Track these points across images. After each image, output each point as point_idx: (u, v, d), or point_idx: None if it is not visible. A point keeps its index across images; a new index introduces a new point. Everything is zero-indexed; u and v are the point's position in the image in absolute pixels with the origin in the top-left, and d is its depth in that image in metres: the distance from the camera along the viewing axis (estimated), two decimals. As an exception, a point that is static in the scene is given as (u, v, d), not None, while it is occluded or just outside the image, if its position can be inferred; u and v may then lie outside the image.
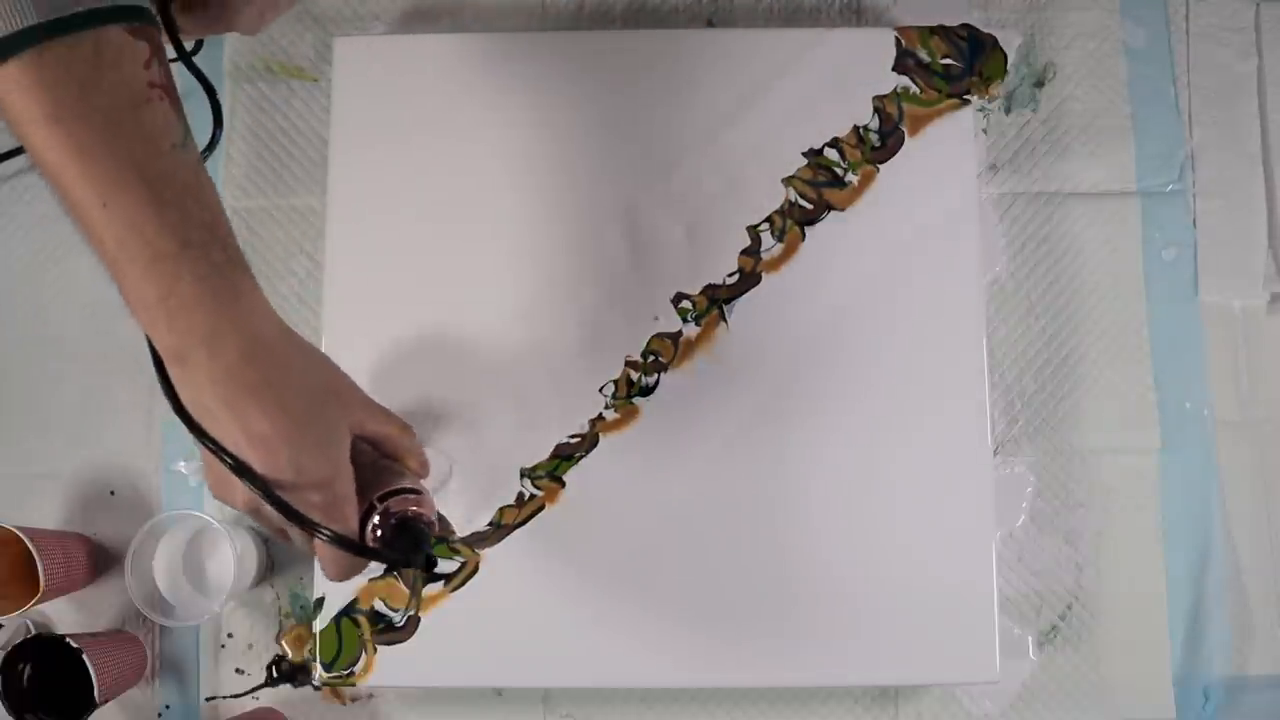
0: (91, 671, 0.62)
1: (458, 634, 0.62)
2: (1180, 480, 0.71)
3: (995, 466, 0.69)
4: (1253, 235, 0.74)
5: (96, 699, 0.62)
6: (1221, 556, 0.70)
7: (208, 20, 0.49)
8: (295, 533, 0.45)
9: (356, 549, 0.44)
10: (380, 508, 0.46)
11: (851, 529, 0.63)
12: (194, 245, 0.38)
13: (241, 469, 0.41)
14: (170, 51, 0.46)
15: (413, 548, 0.46)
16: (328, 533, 0.43)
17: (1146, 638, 0.70)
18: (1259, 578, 0.71)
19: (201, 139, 0.43)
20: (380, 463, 0.49)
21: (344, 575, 0.46)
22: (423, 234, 0.66)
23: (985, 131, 0.74)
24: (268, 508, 0.42)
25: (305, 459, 0.41)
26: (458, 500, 0.63)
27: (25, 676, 0.65)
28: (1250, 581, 0.70)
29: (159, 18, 0.46)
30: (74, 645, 0.62)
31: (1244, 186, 0.75)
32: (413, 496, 0.48)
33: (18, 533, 0.64)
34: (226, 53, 0.76)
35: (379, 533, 0.46)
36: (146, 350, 0.42)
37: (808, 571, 0.62)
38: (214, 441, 0.41)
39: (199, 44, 0.53)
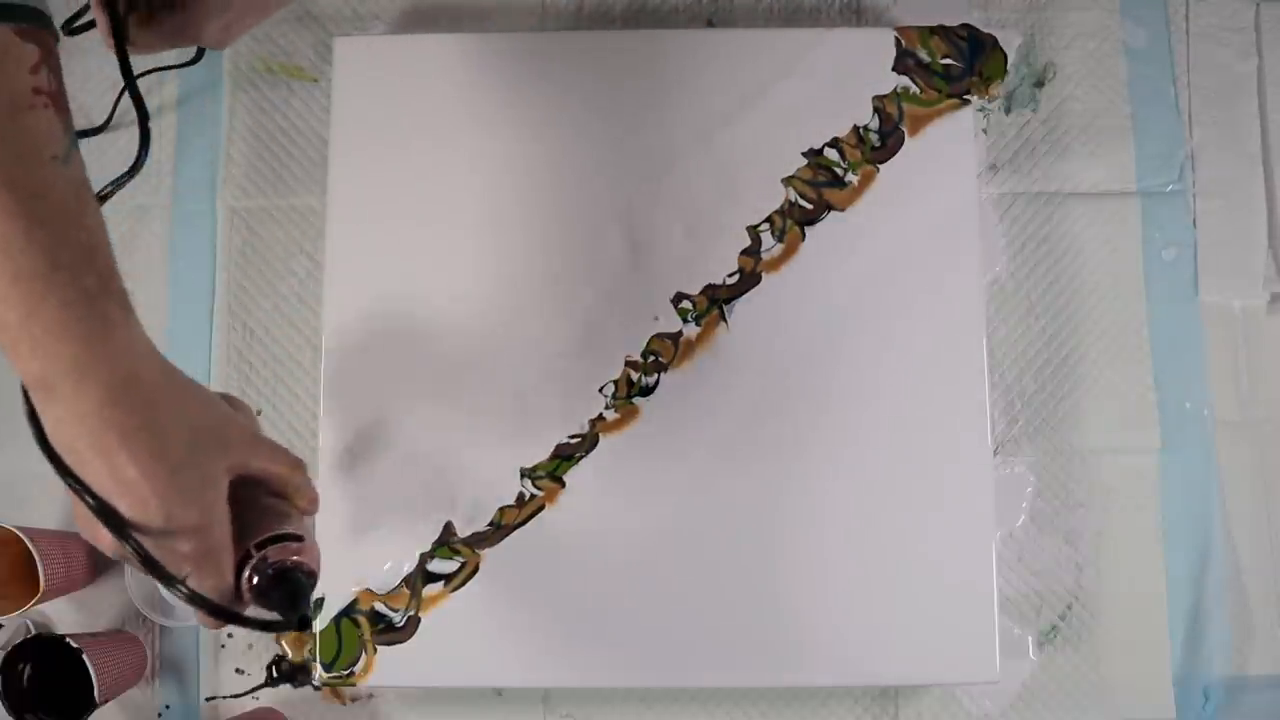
0: (91, 671, 0.62)
1: (458, 634, 0.62)
2: (1180, 480, 0.71)
3: (995, 466, 0.69)
4: (1253, 235, 0.74)
5: (96, 699, 0.62)
6: (1221, 556, 0.70)
7: (170, 33, 0.48)
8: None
9: (219, 612, 0.42)
10: (257, 556, 0.43)
11: (851, 529, 0.63)
12: (64, 268, 0.36)
13: (107, 514, 0.38)
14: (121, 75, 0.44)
15: (288, 603, 0.43)
16: (186, 591, 0.40)
17: (1146, 638, 0.70)
18: (1259, 578, 0.71)
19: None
20: (266, 502, 0.45)
21: (216, 625, 0.43)
22: (422, 234, 0.66)
23: (985, 131, 0.74)
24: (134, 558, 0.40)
25: (176, 507, 0.39)
26: (459, 500, 0.63)
27: (25, 676, 0.65)
28: (1250, 581, 0.70)
29: (115, 30, 0.46)
30: (74, 645, 0.62)
31: (1244, 186, 0.75)
32: (294, 545, 0.44)
33: (18, 533, 0.63)
34: (226, 53, 0.76)
35: (255, 581, 0.43)
36: None
37: (808, 571, 0.62)
38: (79, 482, 0.38)
39: (200, 51, 0.52)
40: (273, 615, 0.43)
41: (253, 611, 0.44)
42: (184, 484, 0.39)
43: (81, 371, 0.37)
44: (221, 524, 0.41)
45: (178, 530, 0.39)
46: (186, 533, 0.39)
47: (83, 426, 0.37)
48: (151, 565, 0.39)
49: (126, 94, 0.47)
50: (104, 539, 0.40)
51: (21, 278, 0.35)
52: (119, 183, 0.46)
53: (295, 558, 0.44)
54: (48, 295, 0.35)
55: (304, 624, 0.43)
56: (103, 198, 0.40)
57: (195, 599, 0.41)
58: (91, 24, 0.47)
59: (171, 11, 0.47)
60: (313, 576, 0.45)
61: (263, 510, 0.45)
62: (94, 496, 0.38)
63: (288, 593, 0.43)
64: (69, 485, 0.39)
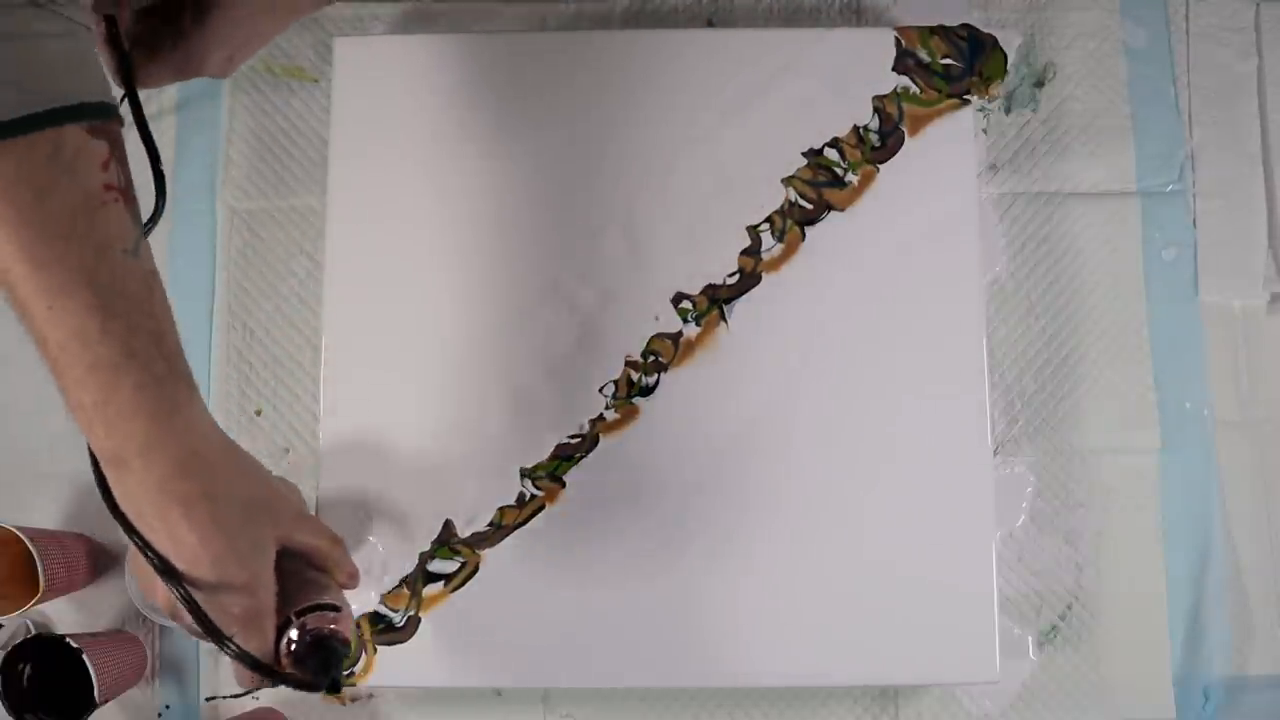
0: (91, 671, 0.62)
1: (458, 634, 0.62)
2: (1180, 480, 0.71)
3: (995, 466, 0.69)
4: (1253, 235, 0.74)
5: (96, 699, 0.62)
6: (1221, 556, 0.70)
7: (176, 67, 0.48)
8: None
9: (261, 669, 0.45)
10: (298, 623, 0.46)
11: (851, 529, 0.63)
12: (136, 355, 0.38)
13: (167, 572, 0.41)
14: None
15: (322, 668, 0.46)
16: (234, 647, 0.43)
17: (1146, 638, 0.70)
18: (1259, 578, 0.71)
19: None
20: (306, 574, 0.49)
21: (253, 685, 0.47)
22: (422, 234, 0.66)
23: (985, 131, 0.74)
24: (186, 614, 0.42)
25: (229, 570, 0.42)
26: (459, 500, 0.63)
27: (25, 676, 0.65)
28: (1250, 581, 0.70)
29: (123, 68, 0.46)
30: (74, 645, 0.62)
31: (1244, 186, 0.75)
32: (331, 614, 0.47)
33: (18, 533, 0.64)
34: (226, 53, 0.76)
35: (293, 647, 0.46)
36: None
37: (808, 571, 0.62)
38: (144, 541, 0.41)
39: None
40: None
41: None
42: (237, 550, 0.42)
43: (151, 448, 0.40)
44: (267, 589, 0.44)
45: (228, 591, 0.42)
46: (236, 594, 0.43)
47: (149, 496, 0.40)
48: (203, 621, 0.42)
49: (131, 102, 0.47)
50: (160, 595, 0.43)
51: (98, 366, 0.38)
52: (145, 231, 0.47)
53: (332, 626, 0.47)
54: (121, 381, 0.38)
55: (335, 688, 0.47)
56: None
57: (242, 655, 0.44)
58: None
59: (175, 46, 0.48)
60: (347, 644, 0.48)
61: (304, 581, 0.48)
62: (157, 555, 0.41)
63: (322, 659, 0.46)
64: (135, 543, 0.42)
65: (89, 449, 0.41)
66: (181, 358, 0.41)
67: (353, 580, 0.51)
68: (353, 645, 0.49)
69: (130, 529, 0.42)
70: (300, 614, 0.46)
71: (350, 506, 0.64)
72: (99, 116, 0.37)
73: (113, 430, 0.39)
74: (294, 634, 0.46)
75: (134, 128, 0.45)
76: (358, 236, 0.66)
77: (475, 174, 0.66)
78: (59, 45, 0.37)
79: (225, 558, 0.42)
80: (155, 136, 0.48)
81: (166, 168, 0.73)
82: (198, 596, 0.42)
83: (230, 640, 0.43)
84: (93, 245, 0.37)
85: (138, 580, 0.44)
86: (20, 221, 0.35)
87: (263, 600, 0.44)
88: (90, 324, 0.37)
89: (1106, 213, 0.74)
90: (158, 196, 0.48)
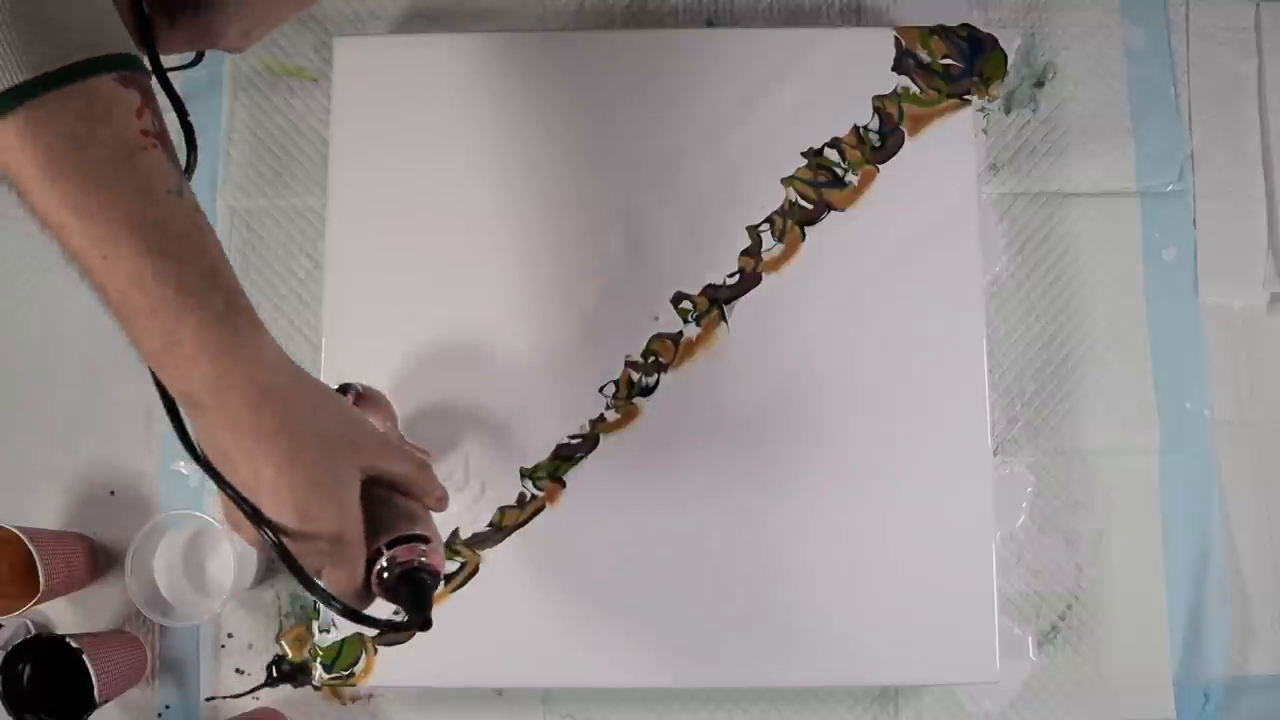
0: (91, 671, 0.62)
1: (458, 634, 0.62)
2: (1180, 480, 0.71)
3: (995, 466, 0.69)
4: (1253, 235, 0.74)
5: (96, 699, 0.62)
6: (1221, 556, 0.70)
7: (192, 36, 0.49)
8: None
9: (349, 613, 0.45)
10: (387, 555, 0.46)
11: (852, 529, 0.63)
12: (193, 293, 0.38)
13: (252, 513, 0.42)
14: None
15: (413, 602, 0.46)
16: (340, 605, 0.44)
17: (1146, 638, 0.70)
18: (1259, 578, 0.71)
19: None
20: (396, 501, 0.48)
21: (359, 606, 0.47)
22: (423, 234, 0.66)
23: (985, 131, 0.74)
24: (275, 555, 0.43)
25: (314, 507, 0.42)
26: (459, 502, 0.63)
27: (25, 676, 0.65)
28: (1250, 581, 0.70)
29: (142, 28, 0.46)
30: (74, 645, 0.62)
31: (1244, 186, 0.75)
32: (421, 546, 0.46)
33: (18, 533, 0.64)
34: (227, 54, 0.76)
35: (384, 577, 0.46)
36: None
37: (808, 571, 0.63)
38: (230, 487, 0.42)
39: (199, 54, 0.53)
40: (395, 617, 0.46)
41: (375, 610, 0.46)
42: (320, 484, 0.42)
43: (220, 385, 0.40)
44: (354, 521, 0.44)
45: (314, 526, 0.42)
46: (321, 529, 0.42)
47: (224, 434, 0.41)
48: (289, 561, 0.42)
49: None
50: (248, 533, 0.43)
51: (157, 309, 0.38)
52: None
53: (423, 559, 0.46)
54: (182, 321, 0.38)
55: (426, 625, 0.46)
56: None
57: (328, 598, 0.44)
58: None
59: (195, 14, 0.48)
60: (437, 577, 0.47)
61: (394, 509, 0.47)
62: (240, 497, 0.42)
63: (413, 592, 0.46)
64: (218, 487, 0.42)
65: (161, 394, 0.41)
66: (240, 293, 0.41)
67: (441, 504, 0.50)
68: (442, 576, 0.48)
69: (211, 471, 0.42)
70: (390, 545, 0.46)
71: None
72: (126, 67, 0.38)
73: (182, 371, 0.39)
74: (384, 567, 0.45)
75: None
76: (358, 236, 0.66)
77: (475, 174, 0.66)
78: (80, 1, 0.37)
79: (309, 493, 0.41)
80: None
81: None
82: (284, 538, 0.42)
83: (319, 585, 0.43)
84: (136, 190, 0.37)
85: (227, 518, 0.44)
86: (62, 174, 0.36)
87: (349, 533, 0.43)
88: (144, 267, 0.37)
89: (1106, 213, 0.74)
90: (189, 149, 0.48)
